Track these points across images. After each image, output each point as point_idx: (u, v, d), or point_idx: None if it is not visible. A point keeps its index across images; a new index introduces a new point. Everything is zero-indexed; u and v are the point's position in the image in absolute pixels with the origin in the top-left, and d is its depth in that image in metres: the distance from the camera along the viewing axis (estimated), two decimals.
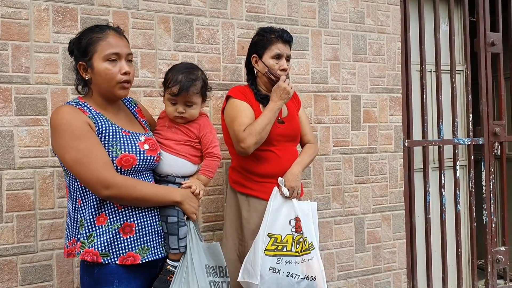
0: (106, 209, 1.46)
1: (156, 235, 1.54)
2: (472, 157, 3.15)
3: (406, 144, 2.93)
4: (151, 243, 1.52)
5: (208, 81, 2.34)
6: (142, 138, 1.55)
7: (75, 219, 1.49)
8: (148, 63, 2.23)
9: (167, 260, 1.57)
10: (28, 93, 2.01)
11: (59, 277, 2.05)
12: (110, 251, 1.44)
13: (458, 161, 3.08)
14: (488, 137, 3.20)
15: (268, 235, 1.93)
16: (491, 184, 3.19)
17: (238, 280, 1.96)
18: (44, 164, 2.03)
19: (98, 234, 1.44)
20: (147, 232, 1.51)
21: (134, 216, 1.49)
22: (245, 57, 2.17)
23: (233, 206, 2.10)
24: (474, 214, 3.14)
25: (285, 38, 2.06)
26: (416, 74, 3.05)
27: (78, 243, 1.45)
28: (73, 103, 1.49)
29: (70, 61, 1.56)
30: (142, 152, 1.51)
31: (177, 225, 1.55)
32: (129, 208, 1.49)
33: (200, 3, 2.34)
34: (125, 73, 1.49)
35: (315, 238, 2.02)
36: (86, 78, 1.50)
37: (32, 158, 2.01)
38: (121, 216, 1.47)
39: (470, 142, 3.14)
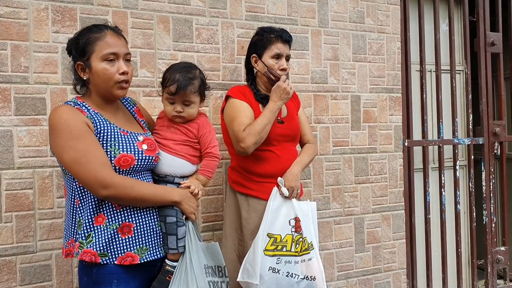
0: (104, 209, 1.46)
1: (155, 235, 1.54)
2: (472, 157, 3.14)
3: (406, 144, 2.93)
4: (150, 243, 1.52)
5: (207, 81, 2.34)
6: (140, 138, 1.55)
7: (74, 219, 1.48)
8: (148, 63, 2.22)
9: (166, 260, 1.57)
10: (27, 93, 2.00)
11: (58, 277, 2.05)
12: (109, 251, 1.44)
13: (458, 161, 3.08)
14: (488, 137, 3.20)
15: (267, 235, 1.93)
16: (491, 184, 3.19)
17: (237, 280, 1.95)
18: (43, 164, 2.03)
19: (96, 234, 1.44)
20: (145, 232, 1.51)
21: (133, 216, 1.49)
22: (245, 57, 2.16)
23: (232, 206, 2.09)
24: (474, 214, 3.14)
25: (285, 37, 2.06)
26: (416, 74, 3.05)
27: (77, 243, 1.45)
28: (71, 103, 1.49)
29: (69, 61, 1.55)
30: (140, 152, 1.51)
31: (175, 225, 1.55)
32: (128, 208, 1.48)
33: (200, 3, 2.34)
34: (123, 73, 1.48)
35: (314, 238, 2.02)
36: (84, 78, 1.50)
37: (31, 158, 2.01)
38: (119, 216, 1.47)
39: (470, 142, 3.13)
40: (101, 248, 1.43)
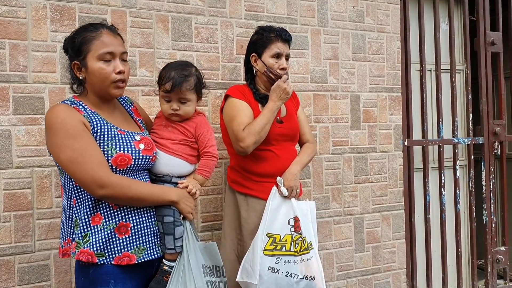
0: (101, 209, 1.45)
1: (152, 235, 1.53)
2: (472, 156, 3.14)
3: (406, 143, 2.92)
4: (147, 243, 1.51)
5: (207, 80, 2.33)
6: (137, 137, 1.54)
7: (70, 219, 1.48)
8: (147, 62, 2.22)
9: (163, 260, 1.56)
10: (25, 92, 2.00)
11: (57, 277, 2.05)
12: (106, 251, 1.43)
13: (458, 161, 3.08)
14: (488, 136, 3.19)
15: (267, 234, 1.92)
16: (491, 183, 3.18)
17: (236, 280, 1.95)
18: (41, 164, 2.02)
19: (93, 234, 1.43)
20: (143, 232, 1.50)
21: (130, 216, 1.48)
22: (244, 56, 2.16)
23: (231, 205, 2.09)
24: (474, 214, 3.13)
25: (285, 37, 2.05)
26: (416, 73, 3.04)
27: (73, 243, 1.44)
28: (68, 102, 1.48)
29: (66, 60, 1.55)
30: (137, 152, 1.50)
31: (173, 224, 1.54)
32: (125, 208, 1.48)
33: (199, 2, 2.33)
34: (119, 72, 1.48)
35: (314, 238, 2.01)
36: (81, 78, 1.49)
37: (30, 158, 2.00)
38: (116, 216, 1.46)
39: (470, 142, 3.13)
40: (98, 248, 1.42)
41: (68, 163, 1.40)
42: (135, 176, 1.52)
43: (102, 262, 1.43)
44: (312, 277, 1.94)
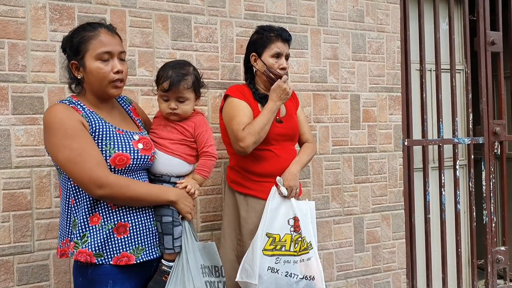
0: (99, 209, 1.45)
1: (151, 235, 1.52)
2: (472, 156, 3.13)
3: (406, 143, 2.92)
4: (146, 243, 1.50)
5: (206, 80, 2.34)
6: (136, 137, 1.54)
7: (68, 219, 1.47)
8: (146, 62, 2.21)
9: (162, 260, 1.56)
10: (24, 91, 1.99)
11: (56, 277, 2.04)
12: (104, 251, 1.43)
13: (458, 161, 3.07)
14: (488, 136, 3.19)
15: (266, 234, 1.92)
16: (491, 183, 3.18)
17: (236, 280, 1.94)
18: (41, 163, 2.02)
19: (91, 234, 1.42)
20: (141, 232, 1.50)
21: (128, 216, 1.48)
22: (244, 55, 2.15)
23: (231, 205, 2.08)
24: (474, 213, 3.13)
25: (285, 36, 2.05)
26: (415, 73, 3.04)
27: (72, 243, 1.44)
28: (66, 101, 1.48)
29: (63, 59, 1.54)
30: (136, 151, 1.50)
31: (172, 224, 1.54)
32: (123, 208, 1.47)
33: (198, 2, 2.33)
34: (117, 72, 1.47)
35: (313, 238, 2.01)
36: (79, 77, 1.49)
37: (29, 157, 2.00)
38: (115, 216, 1.46)
39: (470, 142, 3.12)
40: (97, 248, 1.42)
41: (66, 163, 1.40)
42: (134, 176, 1.51)
43: (100, 262, 1.42)
44: (311, 277, 1.94)
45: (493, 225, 3.16)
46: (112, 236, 1.44)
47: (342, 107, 2.71)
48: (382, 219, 2.83)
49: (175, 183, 1.61)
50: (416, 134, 3.01)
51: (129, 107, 1.68)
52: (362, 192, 2.77)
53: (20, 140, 1.98)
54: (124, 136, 1.50)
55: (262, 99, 2.05)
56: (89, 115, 1.47)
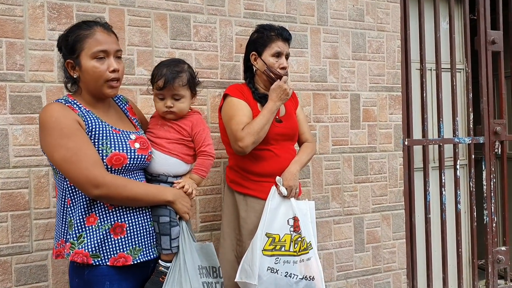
0: (96, 209, 1.43)
1: (148, 235, 1.51)
2: (473, 156, 3.13)
3: (406, 143, 2.91)
4: (143, 243, 1.49)
5: (206, 79, 2.33)
6: (132, 136, 1.52)
7: (64, 219, 1.46)
8: (145, 61, 2.20)
9: (159, 261, 1.55)
10: (23, 91, 1.98)
11: (54, 277, 2.03)
12: (101, 252, 1.42)
13: (458, 160, 3.06)
14: (488, 136, 3.18)
15: (266, 234, 1.91)
16: (491, 183, 3.17)
17: (235, 280, 1.93)
18: (39, 163, 2.01)
19: (88, 234, 1.41)
20: (138, 232, 1.48)
21: (125, 216, 1.46)
22: (243, 54, 2.14)
23: (230, 205, 2.07)
24: (475, 213, 3.12)
25: (285, 36, 2.04)
26: (416, 72, 3.03)
27: (67, 243, 1.43)
28: (62, 100, 1.46)
29: (59, 58, 1.53)
30: (133, 151, 1.48)
31: (169, 225, 1.52)
32: (120, 208, 1.46)
33: (198, 0, 2.32)
34: (113, 71, 1.46)
35: (313, 238, 2.00)
36: (75, 76, 1.47)
37: (27, 157, 1.99)
38: (111, 216, 1.44)
39: (470, 141, 3.12)
40: (93, 248, 1.41)
41: (62, 162, 1.38)
42: (131, 176, 1.50)
43: (97, 263, 1.41)
44: (311, 277, 1.93)
45: (494, 225, 3.15)
46: (109, 237, 1.43)
47: (342, 107, 2.70)
48: (382, 219, 2.82)
49: (172, 183, 1.60)
50: (417, 134, 3.00)
51: (125, 106, 1.67)
52: (362, 192, 2.76)
53: (18, 139, 1.97)
54: (121, 135, 1.49)
55: (262, 99, 2.04)
56: (86, 114, 1.45)
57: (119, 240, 1.44)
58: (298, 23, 2.58)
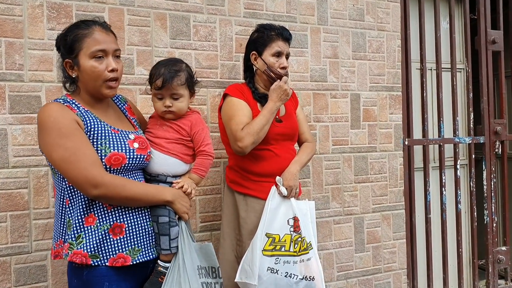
0: (95, 209, 1.43)
1: (147, 235, 1.51)
2: (473, 156, 3.12)
3: (406, 143, 2.90)
4: (142, 244, 1.49)
5: (205, 79, 2.32)
6: (131, 136, 1.52)
7: (63, 220, 1.45)
8: (144, 61, 2.20)
9: (158, 261, 1.54)
10: (22, 91, 1.98)
11: (54, 277, 2.02)
12: (100, 252, 1.41)
13: (458, 160, 3.06)
14: (489, 136, 3.17)
15: (266, 235, 1.91)
16: (492, 183, 3.16)
17: (235, 281, 1.93)
18: (38, 163, 2.00)
19: (86, 235, 1.41)
20: (137, 232, 1.48)
21: (124, 216, 1.46)
22: (243, 54, 2.14)
23: (230, 205, 2.07)
24: (475, 213, 3.11)
25: (286, 35, 2.04)
26: (416, 72, 3.03)
27: (66, 244, 1.42)
28: (60, 100, 1.46)
29: (58, 58, 1.52)
30: (131, 151, 1.48)
31: (168, 225, 1.52)
32: (119, 208, 1.45)
33: (197, 0, 2.31)
34: (112, 70, 1.45)
35: (313, 238, 1.99)
36: (73, 76, 1.47)
37: (26, 157, 1.98)
38: (110, 217, 1.44)
39: (471, 141, 3.11)
40: (92, 249, 1.40)
41: (61, 162, 1.38)
42: (129, 176, 1.49)
43: (96, 263, 1.40)
44: (311, 277, 1.93)
45: (494, 225, 3.15)
46: (107, 237, 1.42)
47: (342, 107, 2.70)
48: (383, 219, 2.82)
49: (172, 183, 1.60)
50: (417, 134, 3.00)
51: (124, 106, 1.66)
52: (363, 192, 2.76)
53: (17, 139, 1.97)
54: (120, 135, 1.48)
55: (262, 99, 2.03)
56: (84, 114, 1.45)
57: (118, 241, 1.43)
58: (298, 23, 2.58)
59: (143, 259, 1.48)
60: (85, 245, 1.40)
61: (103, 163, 1.42)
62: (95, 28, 1.45)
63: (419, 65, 3.00)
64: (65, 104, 1.44)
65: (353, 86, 2.73)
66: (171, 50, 2.25)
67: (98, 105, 1.51)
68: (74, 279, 1.44)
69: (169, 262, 1.54)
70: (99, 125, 1.45)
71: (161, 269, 1.53)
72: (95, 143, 1.42)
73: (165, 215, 1.52)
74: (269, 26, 2.05)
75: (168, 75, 1.60)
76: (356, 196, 2.74)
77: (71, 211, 1.43)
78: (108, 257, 1.42)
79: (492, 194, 3.16)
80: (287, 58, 2.05)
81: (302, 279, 1.92)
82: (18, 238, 1.97)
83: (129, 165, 1.47)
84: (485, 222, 3.16)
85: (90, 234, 1.41)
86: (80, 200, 1.42)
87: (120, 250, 1.43)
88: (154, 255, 1.52)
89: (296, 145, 2.20)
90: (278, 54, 2.01)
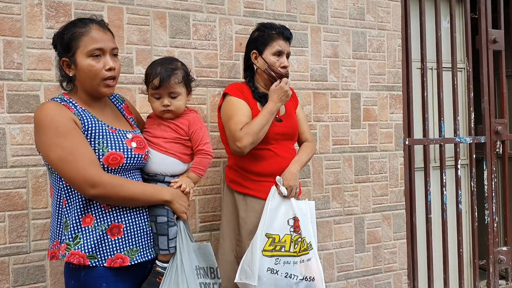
0: (92, 209, 1.42)
1: (145, 235, 1.49)
2: (474, 156, 3.11)
3: (407, 142, 2.89)
4: (140, 244, 1.47)
5: (205, 78, 2.32)
6: (129, 135, 1.51)
7: (59, 220, 1.44)
8: (144, 60, 2.19)
9: (157, 261, 1.53)
10: (20, 90, 1.97)
11: (53, 278, 2.01)
12: (98, 253, 1.40)
13: (459, 160, 3.05)
14: (490, 135, 3.16)
15: (266, 235, 1.90)
16: (493, 183, 3.15)
17: (235, 281, 1.92)
18: (37, 163, 1.99)
19: (84, 235, 1.39)
20: (135, 232, 1.47)
21: (122, 216, 1.45)
22: (243, 53, 2.13)
23: (230, 205, 2.06)
24: (476, 213, 3.10)
25: (286, 35, 2.03)
26: (417, 71, 3.02)
27: (63, 244, 1.41)
28: (57, 99, 1.45)
29: (54, 56, 1.51)
30: (129, 150, 1.47)
31: (166, 225, 1.51)
32: (117, 208, 1.44)
33: None
34: (109, 69, 1.44)
35: (313, 238, 1.98)
36: (70, 75, 1.46)
37: (25, 157, 1.97)
38: (108, 217, 1.43)
39: (471, 141, 3.10)
40: (90, 249, 1.39)
41: (58, 162, 1.36)
42: (127, 176, 1.48)
43: (94, 264, 1.39)
44: (311, 278, 1.92)
45: (495, 225, 3.14)
46: (105, 237, 1.41)
47: (343, 106, 2.69)
48: (383, 219, 2.80)
49: (170, 183, 1.59)
50: (417, 133, 2.99)
51: (121, 105, 1.65)
52: (363, 192, 2.75)
53: (15, 139, 1.96)
54: (117, 134, 1.47)
55: (262, 98, 2.02)
56: (81, 113, 1.43)
57: (116, 241, 1.42)
58: (299, 22, 2.57)
59: (141, 260, 1.47)
60: (82, 245, 1.38)
61: (101, 163, 1.40)
62: (93, 26, 1.44)
63: (419, 64, 2.99)
64: (62, 103, 1.42)
65: (354, 86, 2.72)
66: (171, 49, 2.24)
67: (96, 104, 1.50)
68: (71, 280, 1.43)
69: (167, 262, 1.53)
70: (97, 124, 1.44)
71: (159, 269, 1.52)
72: (92, 142, 1.41)
73: (164, 215, 1.51)
74: (270, 25, 2.04)
75: (165, 74, 1.59)
76: (356, 196, 2.73)
77: (68, 211, 1.42)
78: (106, 257, 1.40)
79: (493, 194, 3.15)
80: (287, 57, 2.04)
81: (302, 279, 1.91)
82: (16, 238, 1.96)
83: (127, 164, 1.46)
84: (486, 222, 3.15)
85: (87, 234, 1.39)
86: (77, 200, 1.41)
87: (118, 251, 1.42)
88: (152, 256, 1.51)
89: (296, 144, 2.18)
90: (278, 53, 2.00)
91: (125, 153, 1.45)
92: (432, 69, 3.10)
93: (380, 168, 2.80)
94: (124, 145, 1.46)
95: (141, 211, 1.49)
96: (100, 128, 1.44)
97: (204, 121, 2.18)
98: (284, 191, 1.94)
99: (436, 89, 3.02)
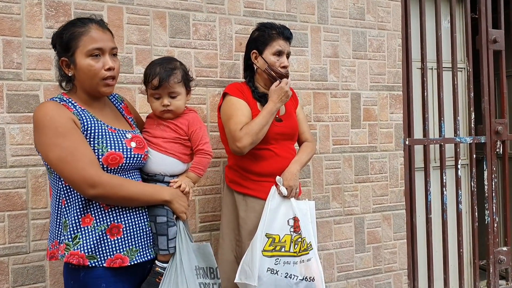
0: (92, 209, 1.41)
1: (145, 236, 1.49)
2: (474, 156, 3.11)
3: (407, 142, 2.89)
4: (140, 244, 1.47)
5: (205, 78, 2.31)
6: (128, 135, 1.50)
7: (59, 220, 1.43)
8: (144, 59, 2.18)
9: (156, 261, 1.53)
10: (20, 90, 1.96)
11: (52, 278, 2.01)
12: (97, 253, 1.39)
13: (459, 160, 3.04)
14: (490, 135, 3.16)
15: (266, 235, 1.89)
16: (493, 183, 3.15)
17: (235, 281, 1.92)
18: (36, 163, 1.99)
19: (83, 235, 1.39)
20: (135, 233, 1.46)
21: (122, 216, 1.44)
22: (243, 53, 2.12)
23: (230, 205, 2.05)
24: (476, 213, 3.10)
25: (286, 35, 2.03)
26: (417, 71, 3.01)
27: (62, 245, 1.40)
28: (57, 99, 1.44)
29: (53, 56, 1.51)
30: (129, 150, 1.46)
31: (166, 225, 1.50)
32: (116, 208, 1.44)
33: None
34: (109, 69, 1.43)
35: (313, 238, 1.98)
36: (69, 75, 1.45)
37: (24, 157, 1.97)
38: (107, 217, 1.42)
39: (472, 141, 3.10)
40: (89, 250, 1.38)
41: (58, 162, 1.36)
42: (127, 176, 1.48)
43: (93, 264, 1.39)
44: (311, 278, 1.91)
45: (495, 225, 3.14)
46: (105, 238, 1.41)
47: (343, 106, 2.68)
48: (383, 219, 2.80)
49: (169, 183, 1.58)
50: (417, 133, 2.99)
51: (121, 105, 1.65)
52: (363, 192, 2.74)
53: (15, 139, 1.95)
54: (117, 134, 1.47)
55: (261, 98, 2.02)
56: (81, 113, 1.43)
57: (116, 241, 1.42)
58: (299, 22, 2.56)
59: (141, 260, 1.46)
60: (82, 245, 1.38)
61: (100, 163, 1.40)
62: (92, 26, 1.43)
63: (419, 64, 2.99)
64: (61, 103, 1.42)
65: (354, 86, 2.72)
66: (171, 49, 2.24)
67: (95, 104, 1.49)
68: (70, 281, 1.43)
69: (166, 262, 1.52)
70: (96, 124, 1.44)
71: (159, 269, 1.51)
72: (92, 142, 1.41)
73: (163, 215, 1.51)
74: (270, 24, 2.04)
75: (164, 74, 1.58)
76: (356, 196, 2.73)
77: (68, 211, 1.41)
78: (106, 258, 1.40)
79: (493, 194, 3.15)
80: (287, 57, 2.04)
81: (302, 279, 1.90)
82: (16, 238, 1.95)
83: (127, 164, 1.46)
84: (486, 222, 3.15)
85: (87, 234, 1.39)
86: (76, 200, 1.40)
87: (118, 251, 1.42)
88: (152, 256, 1.51)
89: (296, 144, 2.18)
90: (279, 53, 2.00)
91: (125, 153, 1.45)
92: (432, 69, 3.10)
93: (380, 168, 2.79)
94: (124, 145, 1.45)
95: (140, 211, 1.49)
96: (100, 128, 1.44)
97: (204, 121, 2.19)
98: (284, 191, 1.94)
99: (436, 89, 3.01)
